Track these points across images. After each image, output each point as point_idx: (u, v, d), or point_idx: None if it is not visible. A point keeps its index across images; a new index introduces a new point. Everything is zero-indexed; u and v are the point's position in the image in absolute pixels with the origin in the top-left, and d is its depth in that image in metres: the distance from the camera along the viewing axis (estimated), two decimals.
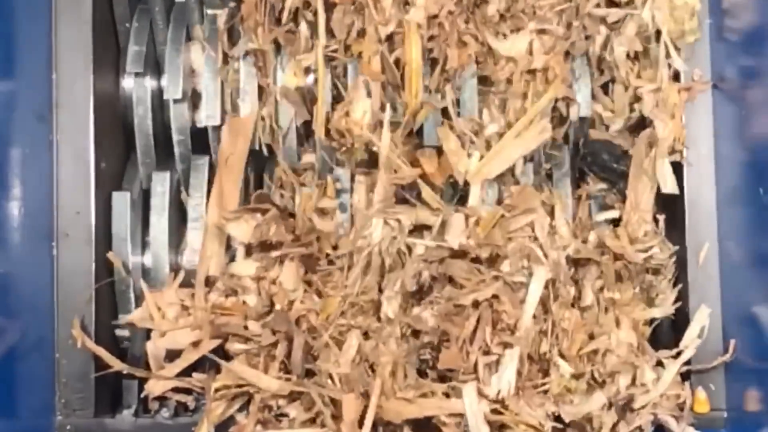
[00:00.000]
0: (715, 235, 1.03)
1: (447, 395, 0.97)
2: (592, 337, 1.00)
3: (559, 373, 0.98)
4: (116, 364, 1.00)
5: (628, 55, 1.06)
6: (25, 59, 1.01)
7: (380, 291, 1.00)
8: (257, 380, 0.97)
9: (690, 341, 1.02)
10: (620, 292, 1.02)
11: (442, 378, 0.99)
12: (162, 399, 1.02)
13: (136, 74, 1.06)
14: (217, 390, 0.98)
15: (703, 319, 1.02)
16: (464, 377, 0.97)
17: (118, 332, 1.05)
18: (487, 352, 0.97)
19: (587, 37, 1.06)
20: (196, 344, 0.99)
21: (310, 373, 0.98)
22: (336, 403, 0.95)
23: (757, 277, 1.01)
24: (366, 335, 0.99)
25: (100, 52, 1.03)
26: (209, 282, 1.02)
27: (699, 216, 1.04)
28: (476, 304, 0.98)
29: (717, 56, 1.05)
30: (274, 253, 1.01)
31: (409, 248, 1.00)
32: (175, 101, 1.06)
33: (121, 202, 1.05)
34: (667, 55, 1.04)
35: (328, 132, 1.05)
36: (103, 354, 0.99)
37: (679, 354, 1.02)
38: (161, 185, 1.06)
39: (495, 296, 0.97)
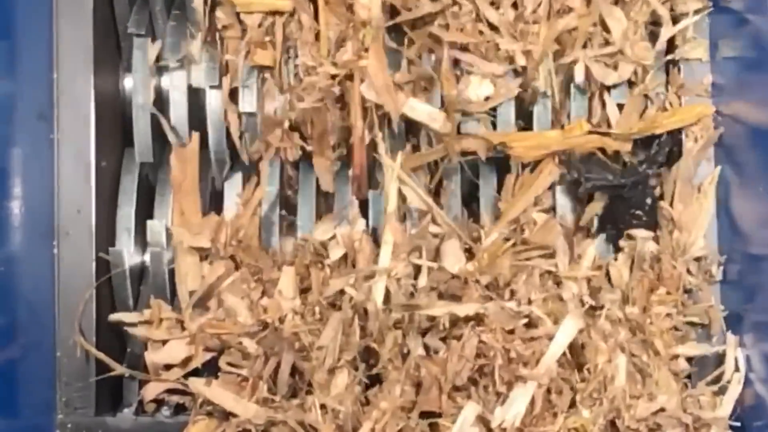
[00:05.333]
0: (715, 235, 1.03)
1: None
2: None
3: (573, 417, 0.92)
4: (117, 368, 1.00)
5: None
6: (25, 58, 1.01)
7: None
8: (234, 406, 0.94)
9: (731, 375, 0.96)
10: (651, 327, 0.97)
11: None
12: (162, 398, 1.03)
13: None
14: (203, 404, 0.96)
15: (733, 350, 0.97)
16: (445, 421, 0.93)
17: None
18: (459, 390, 0.93)
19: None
20: (189, 358, 0.99)
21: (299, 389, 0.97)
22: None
23: (757, 276, 1.01)
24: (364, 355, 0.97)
25: (100, 52, 1.03)
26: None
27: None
28: (458, 337, 0.94)
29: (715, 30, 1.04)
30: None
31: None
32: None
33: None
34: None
35: None
36: (104, 358, 1.00)
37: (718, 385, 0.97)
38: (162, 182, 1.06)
39: (481, 319, 0.93)
